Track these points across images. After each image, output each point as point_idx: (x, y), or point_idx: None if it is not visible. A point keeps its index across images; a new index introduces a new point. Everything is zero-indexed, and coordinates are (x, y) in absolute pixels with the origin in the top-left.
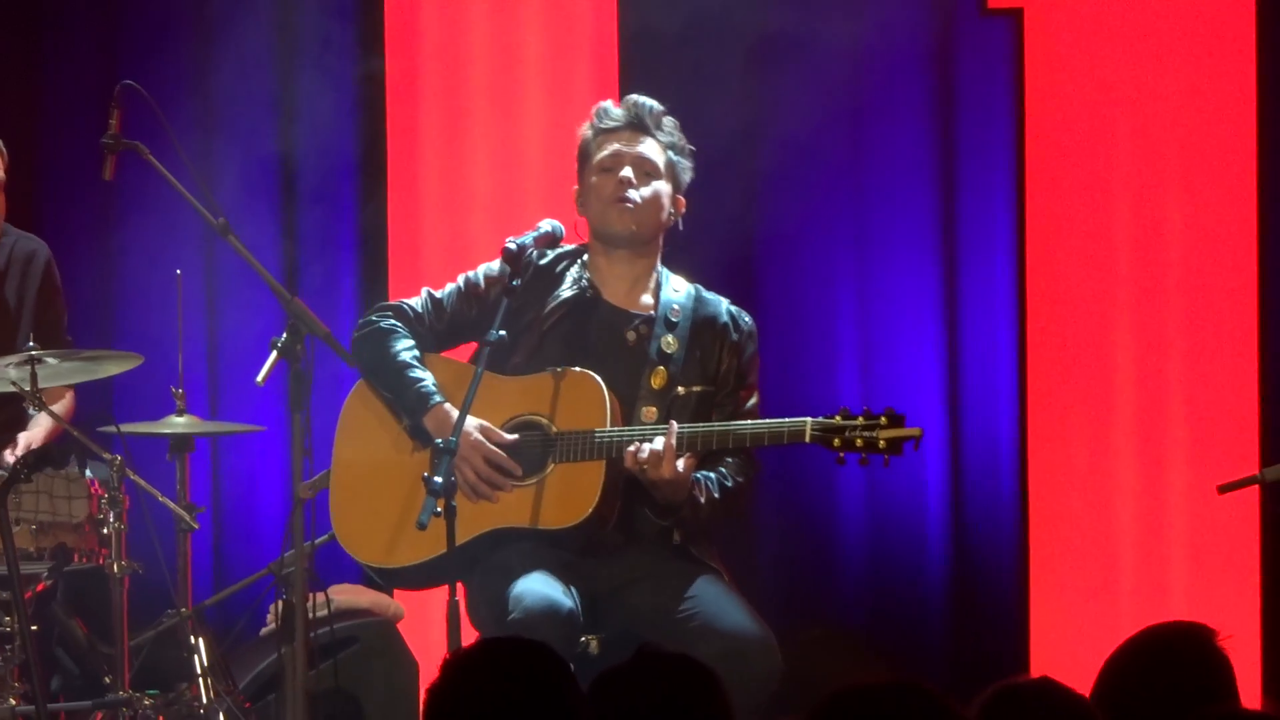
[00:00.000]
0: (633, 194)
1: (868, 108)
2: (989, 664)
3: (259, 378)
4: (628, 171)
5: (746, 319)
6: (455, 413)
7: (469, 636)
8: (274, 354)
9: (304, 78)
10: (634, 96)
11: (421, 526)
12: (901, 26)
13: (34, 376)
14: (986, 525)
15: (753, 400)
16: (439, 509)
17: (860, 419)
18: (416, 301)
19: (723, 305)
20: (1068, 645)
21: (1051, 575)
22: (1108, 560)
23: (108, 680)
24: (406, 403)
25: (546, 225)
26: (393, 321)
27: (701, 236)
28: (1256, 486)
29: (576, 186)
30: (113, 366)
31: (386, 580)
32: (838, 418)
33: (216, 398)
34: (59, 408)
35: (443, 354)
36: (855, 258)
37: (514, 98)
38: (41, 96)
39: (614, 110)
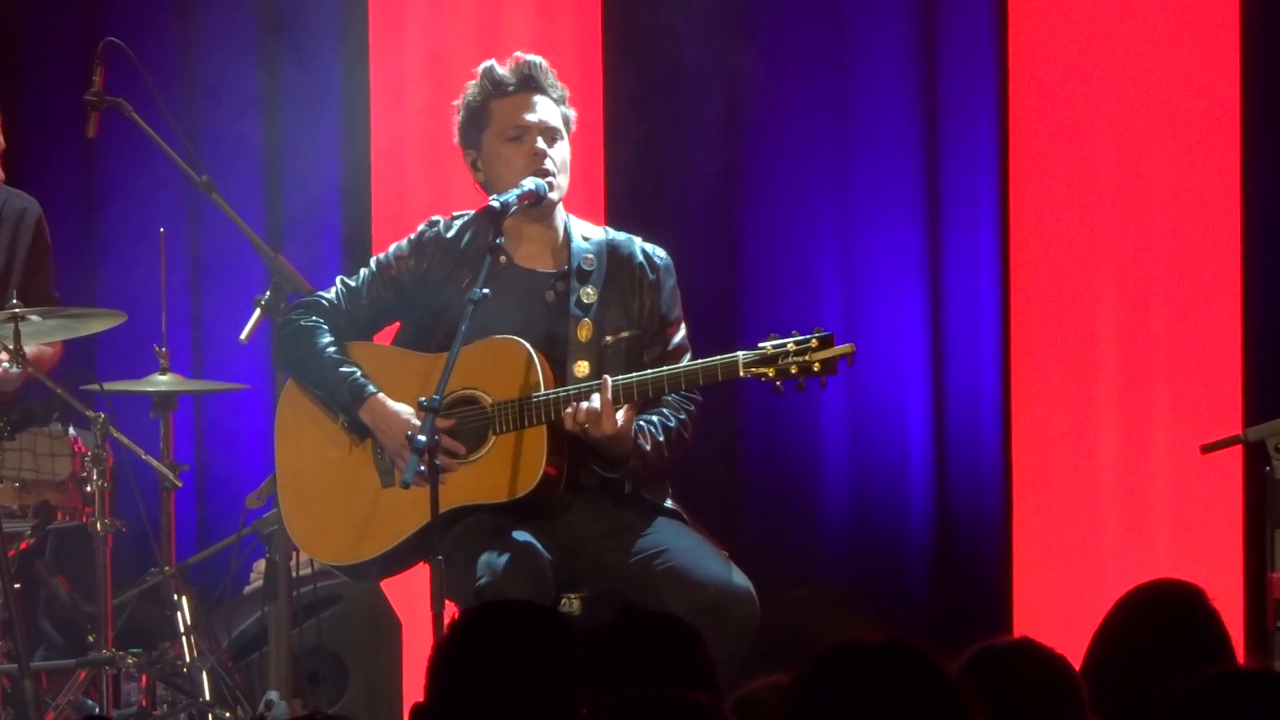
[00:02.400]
0: (549, 164)
1: (852, 55)
2: (972, 621)
3: (242, 335)
4: (541, 143)
5: (661, 254)
6: (389, 401)
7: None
8: (257, 312)
9: (287, 25)
10: (520, 55)
11: (406, 485)
12: None
13: (17, 334)
14: (969, 482)
15: (680, 334)
16: (423, 466)
17: (790, 344)
18: (333, 293)
19: (635, 245)
20: (1051, 603)
21: (1034, 533)
22: (1090, 518)
23: (91, 638)
24: (340, 399)
25: (529, 184)
26: (313, 319)
27: (684, 193)
28: (1239, 446)
29: (470, 152)
30: (96, 324)
31: (355, 575)
32: (768, 346)
33: (200, 356)
34: (47, 350)
35: (366, 341)
36: (837, 212)
37: (498, 51)
38: (22, 52)
39: (504, 72)
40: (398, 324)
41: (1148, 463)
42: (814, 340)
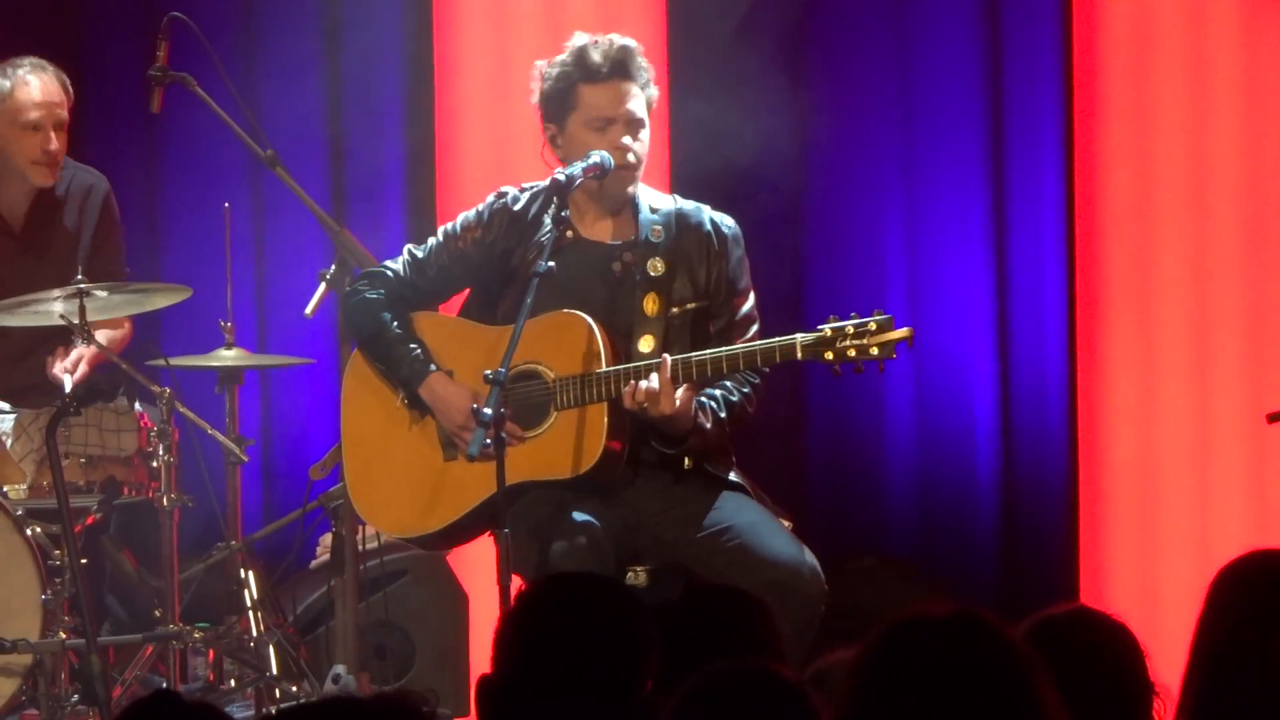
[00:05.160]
0: (631, 157)
1: (915, 27)
2: (1038, 593)
3: (308, 310)
4: (627, 138)
5: (729, 223)
6: (448, 381)
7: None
8: (322, 286)
9: (350, 6)
10: (615, 38)
11: (471, 458)
12: None
13: (82, 309)
14: (1035, 453)
15: (748, 305)
16: (489, 440)
17: (849, 326)
18: (399, 263)
19: (704, 214)
20: (1117, 574)
21: (1100, 504)
22: (1157, 489)
23: (158, 613)
24: (400, 375)
25: (595, 156)
26: (377, 290)
27: (750, 168)
28: None
29: (550, 126)
30: (161, 299)
31: (419, 545)
32: (827, 329)
33: (265, 330)
34: (116, 334)
35: (432, 311)
36: (903, 186)
37: (561, 21)
38: (84, 29)
39: (597, 57)
40: (466, 291)
41: (1215, 432)
42: (872, 323)
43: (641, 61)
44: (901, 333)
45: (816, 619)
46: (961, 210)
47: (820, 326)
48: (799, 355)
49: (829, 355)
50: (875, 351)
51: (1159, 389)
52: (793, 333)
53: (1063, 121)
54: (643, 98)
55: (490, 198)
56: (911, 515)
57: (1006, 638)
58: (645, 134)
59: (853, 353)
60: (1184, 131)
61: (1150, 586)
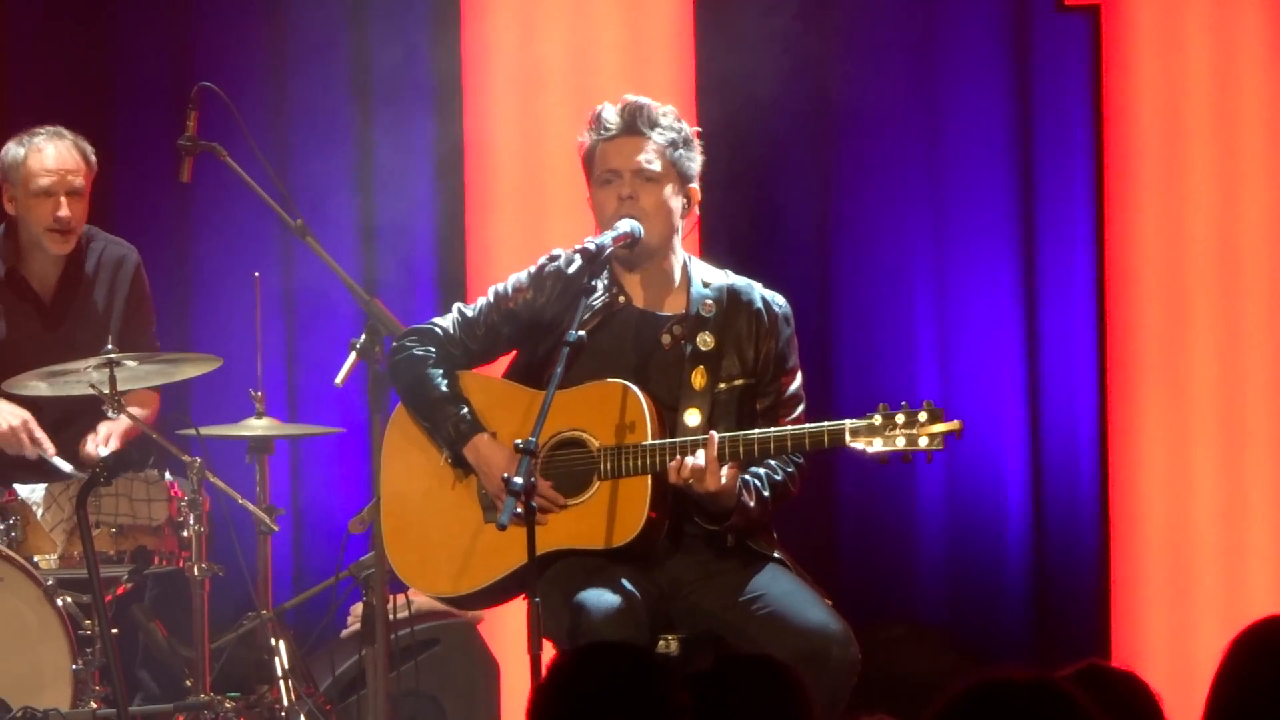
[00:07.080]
0: (634, 208)
1: (944, 101)
2: (1070, 660)
3: (338, 379)
4: (630, 188)
5: (780, 302)
6: (494, 441)
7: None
8: (352, 355)
9: (379, 68)
10: (630, 97)
11: (502, 527)
12: (976, 21)
13: (113, 379)
14: (1067, 519)
15: (795, 384)
16: (519, 509)
17: (900, 416)
18: (448, 320)
19: (755, 291)
20: (1149, 641)
21: (1132, 569)
22: (1189, 554)
23: (188, 683)
24: (445, 435)
25: (625, 225)
26: (426, 348)
27: (778, 233)
28: None
29: (589, 195)
30: (191, 369)
31: (453, 605)
32: (876, 417)
33: (295, 400)
34: (143, 411)
35: (477, 371)
36: (933, 253)
37: (590, 89)
38: (115, 98)
39: (610, 116)
40: (514, 352)
41: (1247, 500)
42: (922, 414)
43: (663, 119)
44: (951, 425)
45: (848, 688)
46: (992, 276)
47: (869, 414)
48: (847, 440)
49: (878, 443)
50: (924, 442)
51: (1190, 457)
52: (823, 407)
53: (1093, 193)
54: (658, 152)
55: (543, 259)
56: (943, 583)
57: (1082, 706)
58: (660, 190)
59: (901, 442)
60: (1215, 200)
61: (1184, 655)
